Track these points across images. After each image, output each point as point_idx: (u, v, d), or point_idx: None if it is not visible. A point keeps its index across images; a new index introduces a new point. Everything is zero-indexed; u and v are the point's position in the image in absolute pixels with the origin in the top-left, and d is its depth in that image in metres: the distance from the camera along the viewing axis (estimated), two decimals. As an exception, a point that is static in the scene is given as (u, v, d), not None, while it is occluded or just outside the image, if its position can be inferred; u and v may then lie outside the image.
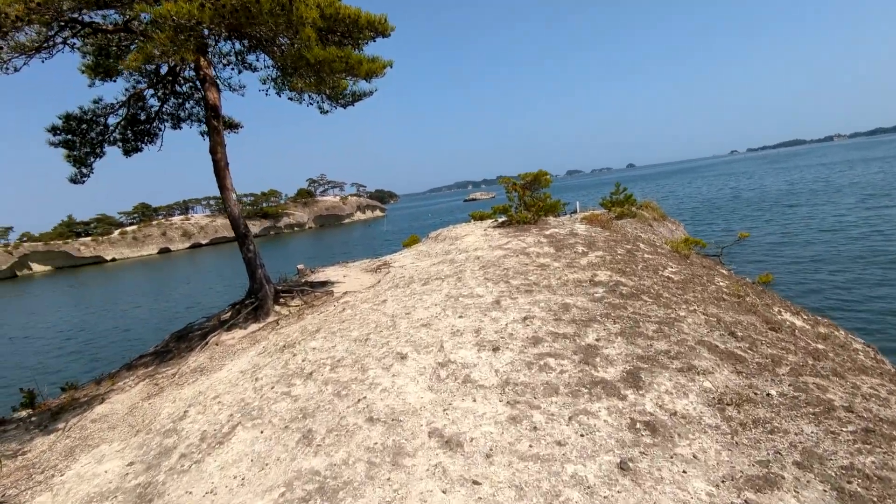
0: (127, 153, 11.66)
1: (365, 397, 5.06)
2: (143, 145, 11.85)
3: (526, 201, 13.66)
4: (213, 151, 9.83)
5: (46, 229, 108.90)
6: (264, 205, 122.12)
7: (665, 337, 5.86)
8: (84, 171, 10.52)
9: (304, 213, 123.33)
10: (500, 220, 15.00)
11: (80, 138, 10.38)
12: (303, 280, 12.57)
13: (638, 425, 4.27)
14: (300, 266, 17.85)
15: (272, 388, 5.75)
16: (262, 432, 4.80)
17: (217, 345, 8.62)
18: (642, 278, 8.32)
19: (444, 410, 4.69)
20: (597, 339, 5.84)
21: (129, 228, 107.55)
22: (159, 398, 6.74)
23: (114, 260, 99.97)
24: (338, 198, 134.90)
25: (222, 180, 9.93)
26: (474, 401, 4.81)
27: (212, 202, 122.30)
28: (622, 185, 26.45)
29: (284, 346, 7.22)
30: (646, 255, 10.25)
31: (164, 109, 11.52)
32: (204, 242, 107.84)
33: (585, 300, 7.21)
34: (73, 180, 10.51)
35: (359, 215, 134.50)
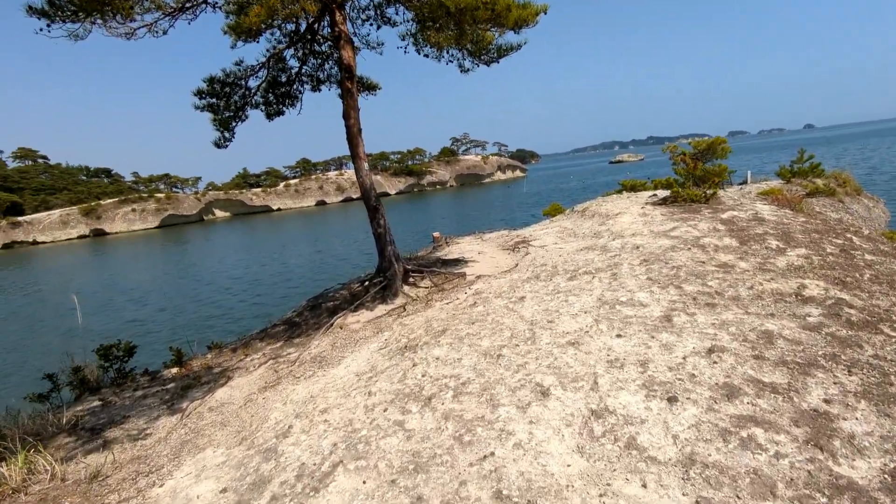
0: (269, 116, 11.38)
1: (493, 453, 3.83)
2: (285, 108, 11.49)
3: (696, 175, 11.31)
4: (346, 116, 9.03)
5: (226, 180, 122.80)
6: (410, 163, 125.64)
7: (942, 409, 3.85)
8: (227, 135, 10.35)
9: (445, 172, 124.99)
10: (660, 195, 12.77)
11: (224, 101, 10.16)
12: (435, 254, 11.66)
13: None
14: (436, 234, 17.14)
15: (384, 410, 4.76)
16: (364, 483, 3.80)
17: (341, 328, 7.97)
18: (874, 296, 6.04)
19: (601, 496, 3.31)
20: (825, 400, 4.01)
21: (291, 181, 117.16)
22: (273, 392, 6.15)
23: (279, 210, 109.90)
24: (479, 157, 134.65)
25: (355, 148, 9.13)
26: (644, 485, 3.36)
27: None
28: (807, 152, 22.26)
29: (406, 347, 6.24)
30: (867, 256, 7.70)
31: (303, 70, 10.98)
32: (355, 197, 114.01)
33: (795, 326, 5.25)
34: (217, 144, 10.40)
35: (499, 175, 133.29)
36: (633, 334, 5.37)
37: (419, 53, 9.89)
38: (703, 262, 7.28)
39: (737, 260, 7.32)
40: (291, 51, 10.50)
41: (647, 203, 12.33)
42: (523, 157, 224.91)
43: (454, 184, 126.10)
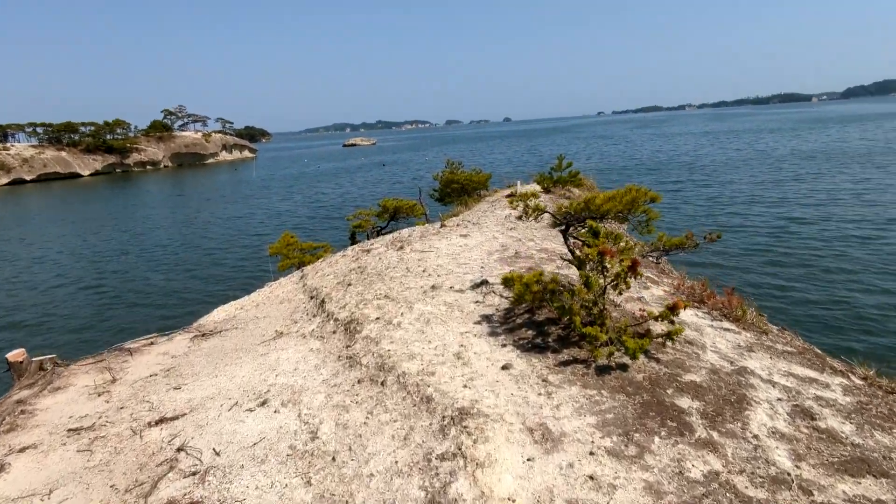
0: None
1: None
2: None
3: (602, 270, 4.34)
4: None
5: None
6: (109, 137, 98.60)
7: None
8: None
9: (158, 150, 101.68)
10: (502, 306, 5.51)
11: None
12: None
13: None
14: (14, 356, 6.91)
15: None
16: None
17: None
18: None
19: None
20: None
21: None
22: None
23: None
24: (199, 134, 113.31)
25: None
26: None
27: (39, 130, 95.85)
28: (566, 158, 19.16)
29: None
30: None
31: None
32: (28, 179, 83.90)
33: None
34: None
35: (224, 155, 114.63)
36: None
37: None
38: None
39: None
40: None
41: (510, 350, 4.90)
42: (253, 135, 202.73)
43: (169, 164, 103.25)
